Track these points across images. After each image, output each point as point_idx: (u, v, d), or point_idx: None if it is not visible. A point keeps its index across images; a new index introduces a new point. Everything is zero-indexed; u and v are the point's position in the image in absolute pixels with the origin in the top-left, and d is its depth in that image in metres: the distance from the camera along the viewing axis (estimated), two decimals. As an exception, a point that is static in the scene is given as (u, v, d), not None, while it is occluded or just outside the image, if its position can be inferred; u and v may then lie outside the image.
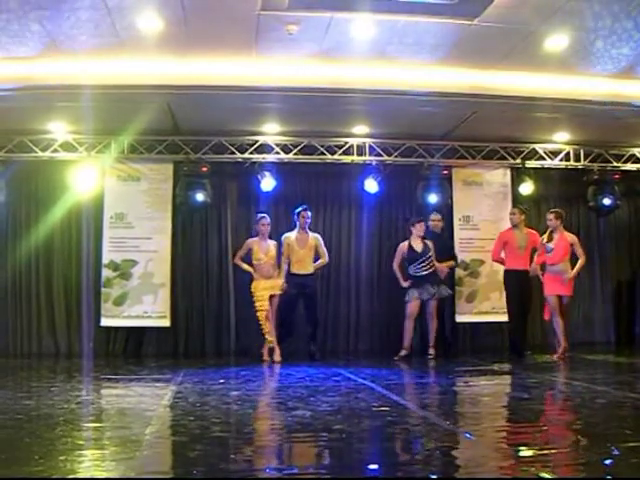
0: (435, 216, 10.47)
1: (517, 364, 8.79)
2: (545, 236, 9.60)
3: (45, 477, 3.17)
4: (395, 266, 9.99)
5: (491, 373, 8.32)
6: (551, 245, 9.48)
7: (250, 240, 9.82)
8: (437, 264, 9.83)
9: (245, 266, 9.75)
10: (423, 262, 9.75)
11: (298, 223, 9.85)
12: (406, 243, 9.97)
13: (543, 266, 9.62)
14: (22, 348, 10.49)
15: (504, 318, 10.35)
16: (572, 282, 9.53)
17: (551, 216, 9.61)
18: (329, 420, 4.72)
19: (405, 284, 9.83)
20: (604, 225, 12.07)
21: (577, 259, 9.49)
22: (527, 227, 10.10)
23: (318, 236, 10.01)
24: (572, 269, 9.42)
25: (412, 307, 9.74)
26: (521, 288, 9.74)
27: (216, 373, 8.09)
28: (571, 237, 9.63)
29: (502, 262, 10.00)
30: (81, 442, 4.06)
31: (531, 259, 9.75)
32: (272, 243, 9.77)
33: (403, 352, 9.64)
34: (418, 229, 9.92)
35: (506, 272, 9.94)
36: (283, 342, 9.73)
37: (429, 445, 4.05)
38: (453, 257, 10.32)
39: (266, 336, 9.45)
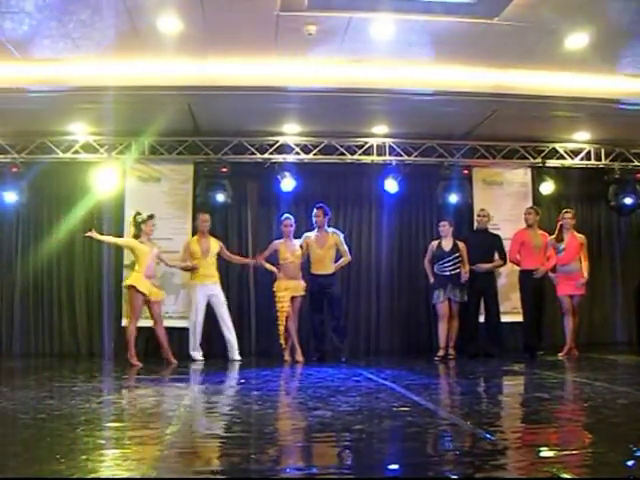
0: (481, 212, 10.44)
1: (538, 365, 8.73)
2: (554, 236, 9.63)
3: (66, 477, 3.18)
4: (425, 262, 10.04)
5: (512, 373, 8.29)
6: (562, 245, 9.56)
7: (276, 242, 9.83)
8: (464, 268, 9.76)
9: (268, 266, 9.75)
10: (448, 262, 9.73)
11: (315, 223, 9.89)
12: (437, 241, 9.99)
13: (554, 267, 9.67)
14: (44, 348, 10.57)
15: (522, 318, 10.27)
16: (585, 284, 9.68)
17: (569, 215, 9.76)
18: (349, 420, 4.70)
19: (431, 280, 9.87)
20: (625, 224, 11.99)
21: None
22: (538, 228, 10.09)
23: (338, 233, 9.98)
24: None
25: (442, 308, 9.73)
26: (536, 288, 9.74)
27: (237, 373, 8.10)
28: (581, 237, 9.74)
29: (518, 263, 9.98)
30: (102, 442, 4.08)
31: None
32: (299, 243, 9.77)
33: (441, 352, 9.63)
34: (440, 229, 9.94)
35: (522, 272, 9.91)
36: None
37: (449, 445, 4.04)
38: (500, 255, 10.11)
39: (281, 341, 9.49)
